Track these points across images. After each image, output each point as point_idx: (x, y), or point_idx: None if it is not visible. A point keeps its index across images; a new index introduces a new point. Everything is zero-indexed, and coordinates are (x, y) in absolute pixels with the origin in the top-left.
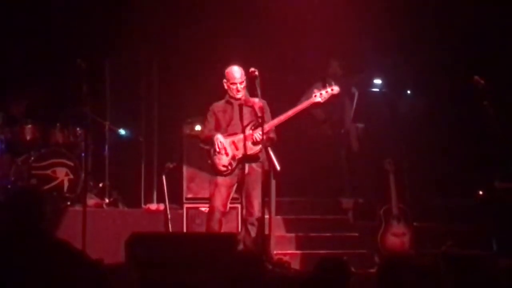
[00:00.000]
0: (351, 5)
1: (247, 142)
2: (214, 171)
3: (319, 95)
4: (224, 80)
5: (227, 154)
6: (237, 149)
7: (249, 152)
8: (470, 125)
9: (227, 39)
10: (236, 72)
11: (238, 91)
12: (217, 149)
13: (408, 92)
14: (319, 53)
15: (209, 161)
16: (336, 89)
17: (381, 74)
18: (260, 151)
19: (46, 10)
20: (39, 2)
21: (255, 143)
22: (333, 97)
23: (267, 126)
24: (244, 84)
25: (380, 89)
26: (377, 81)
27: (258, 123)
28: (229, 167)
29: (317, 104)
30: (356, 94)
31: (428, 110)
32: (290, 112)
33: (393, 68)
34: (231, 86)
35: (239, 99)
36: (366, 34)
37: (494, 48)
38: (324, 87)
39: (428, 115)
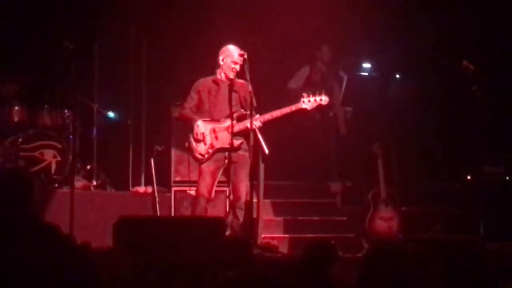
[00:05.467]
0: None
1: (228, 135)
2: (191, 155)
3: (307, 101)
4: (222, 57)
5: (205, 143)
6: (216, 139)
7: (229, 145)
8: (459, 110)
9: (217, 21)
10: (239, 50)
11: (235, 70)
12: (196, 137)
13: (397, 76)
14: (310, 36)
15: (186, 144)
16: (324, 99)
17: (370, 57)
18: (242, 143)
19: None
20: None
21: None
22: (320, 106)
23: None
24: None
25: (369, 73)
26: (366, 65)
27: (243, 115)
28: (205, 156)
29: (303, 111)
30: (345, 77)
31: (417, 94)
32: (277, 113)
33: (382, 51)
34: (231, 64)
35: (231, 79)
36: (354, 18)
37: (484, 31)
38: (313, 94)
39: (417, 99)
